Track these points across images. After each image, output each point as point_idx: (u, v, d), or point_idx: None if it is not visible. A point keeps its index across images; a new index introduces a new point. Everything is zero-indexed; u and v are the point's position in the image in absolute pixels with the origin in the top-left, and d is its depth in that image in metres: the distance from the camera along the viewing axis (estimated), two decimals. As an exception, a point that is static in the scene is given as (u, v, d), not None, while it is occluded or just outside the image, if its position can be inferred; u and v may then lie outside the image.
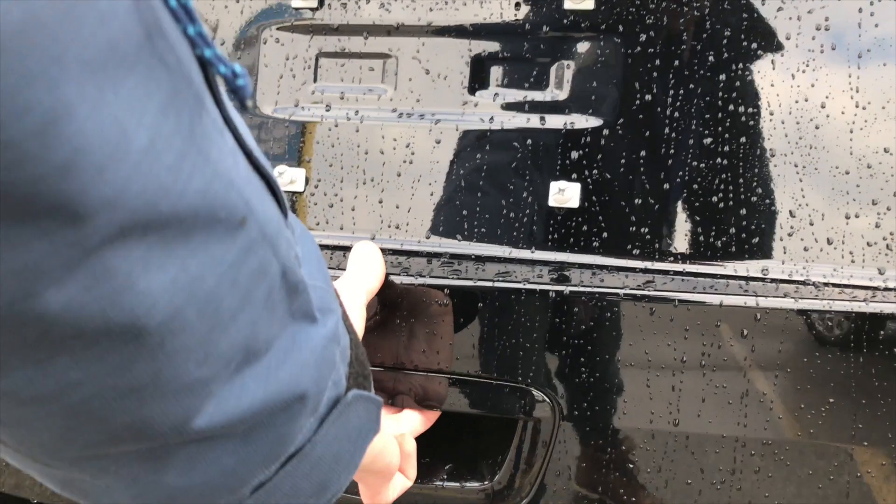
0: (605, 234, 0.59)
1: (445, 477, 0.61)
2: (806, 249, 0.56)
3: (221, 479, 0.29)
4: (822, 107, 0.56)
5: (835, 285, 0.55)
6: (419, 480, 0.58)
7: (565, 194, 0.59)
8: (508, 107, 0.62)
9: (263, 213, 0.27)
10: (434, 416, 0.60)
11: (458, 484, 0.60)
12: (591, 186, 0.59)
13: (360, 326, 0.52)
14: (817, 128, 0.57)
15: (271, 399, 0.29)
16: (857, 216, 0.56)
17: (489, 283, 0.58)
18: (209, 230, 0.24)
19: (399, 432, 0.55)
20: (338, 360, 0.33)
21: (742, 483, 0.56)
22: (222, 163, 0.25)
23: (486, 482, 0.60)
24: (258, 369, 0.28)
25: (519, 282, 0.58)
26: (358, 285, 0.55)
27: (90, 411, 0.24)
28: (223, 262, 0.25)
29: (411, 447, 0.55)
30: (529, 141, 0.61)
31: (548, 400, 0.57)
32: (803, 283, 0.56)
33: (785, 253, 0.57)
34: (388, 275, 0.58)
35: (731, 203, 0.57)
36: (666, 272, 0.57)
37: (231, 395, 0.27)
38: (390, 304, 0.60)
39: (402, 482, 0.56)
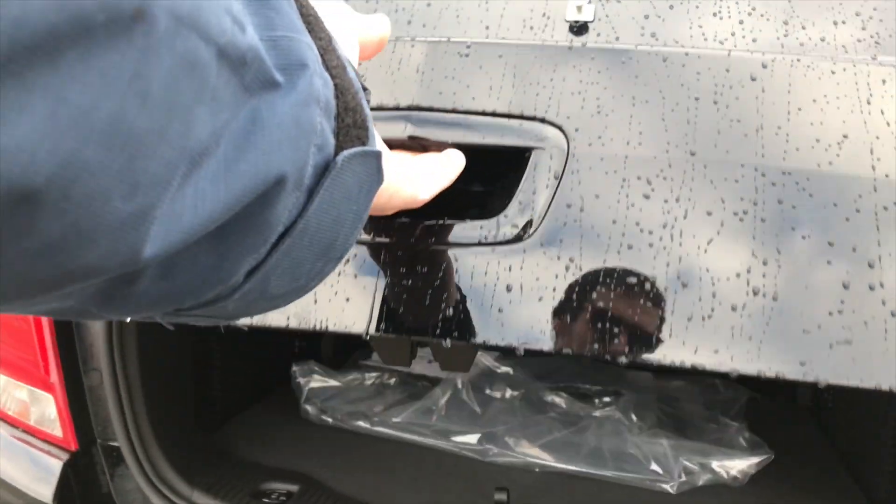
0: (618, 36, 0.62)
1: (446, 217, 0.56)
2: (820, 40, 0.60)
3: (205, 274, 0.27)
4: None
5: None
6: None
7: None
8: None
9: None
10: (457, 165, 0.54)
11: (460, 220, 0.55)
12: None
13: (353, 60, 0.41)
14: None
15: (237, 195, 0.25)
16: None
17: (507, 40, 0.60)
18: (86, 43, 0.18)
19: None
20: (318, 120, 0.28)
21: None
22: None
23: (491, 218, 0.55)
24: (211, 169, 0.23)
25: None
26: (349, 28, 0.42)
27: (14, 274, 0.20)
28: (120, 77, 0.19)
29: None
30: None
31: (561, 132, 0.56)
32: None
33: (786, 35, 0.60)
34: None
35: None
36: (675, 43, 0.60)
37: (184, 210, 0.23)
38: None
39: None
